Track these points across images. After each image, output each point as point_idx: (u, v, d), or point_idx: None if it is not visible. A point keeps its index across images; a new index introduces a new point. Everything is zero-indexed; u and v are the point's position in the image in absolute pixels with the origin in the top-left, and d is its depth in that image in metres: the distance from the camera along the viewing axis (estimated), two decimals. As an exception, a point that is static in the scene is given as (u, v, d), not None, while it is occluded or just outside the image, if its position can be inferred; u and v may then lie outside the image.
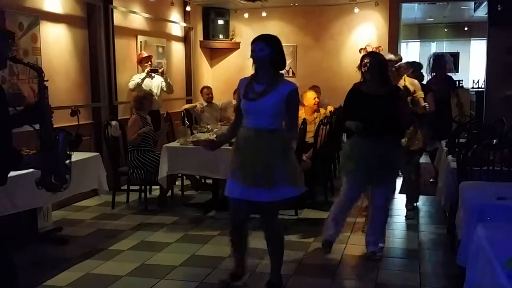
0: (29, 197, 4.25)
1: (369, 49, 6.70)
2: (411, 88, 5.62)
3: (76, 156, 5.05)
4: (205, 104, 8.12)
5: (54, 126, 2.99)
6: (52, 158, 2.90)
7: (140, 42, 8.04)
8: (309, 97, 6.74)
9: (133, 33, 7.95)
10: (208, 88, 8.37)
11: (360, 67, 4.54)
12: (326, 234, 4.80)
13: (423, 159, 7.00)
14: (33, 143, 3.82)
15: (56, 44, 6.36)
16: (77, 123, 3.57)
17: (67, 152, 3.03)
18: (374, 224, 4.72)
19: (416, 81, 5.79)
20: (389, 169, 4.51)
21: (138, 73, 7.74)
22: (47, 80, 2.98)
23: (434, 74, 7.78)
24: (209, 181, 6.63)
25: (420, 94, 5.67)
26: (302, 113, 6.65)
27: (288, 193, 3.66)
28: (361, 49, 8.84)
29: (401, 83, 5.47)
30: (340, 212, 4.75)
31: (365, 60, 4.48)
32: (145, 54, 7.76)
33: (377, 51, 7.55)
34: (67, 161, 3.03)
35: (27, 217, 5.04)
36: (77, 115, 3.73)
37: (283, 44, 3.65)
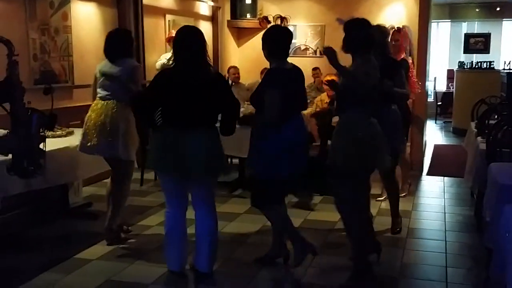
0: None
1: None
2: None
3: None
4: (232, 84, 8.11)
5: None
6: (24, 141, 2.60)
7: (168, 21, 8.06)
8: (323, 100, 7.09)
9: (162, 12, 7.98)
10: (235, 68, 8.36)
11: None
12: None
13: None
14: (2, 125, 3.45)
15: (86, 23, 6.43)
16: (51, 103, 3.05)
17: (41, 134, 2.73)
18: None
19: None
20: None
21: (166, 52, 7.78)
22: (17, 55, 2.69)
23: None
24: (236, 161, 6.67)
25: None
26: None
27: None
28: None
29: None
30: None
31: None
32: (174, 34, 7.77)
33: None
34: (41, 145, 2.72)
35: (58, 192, 5.16)
36: (50, 93, 3.28)
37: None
